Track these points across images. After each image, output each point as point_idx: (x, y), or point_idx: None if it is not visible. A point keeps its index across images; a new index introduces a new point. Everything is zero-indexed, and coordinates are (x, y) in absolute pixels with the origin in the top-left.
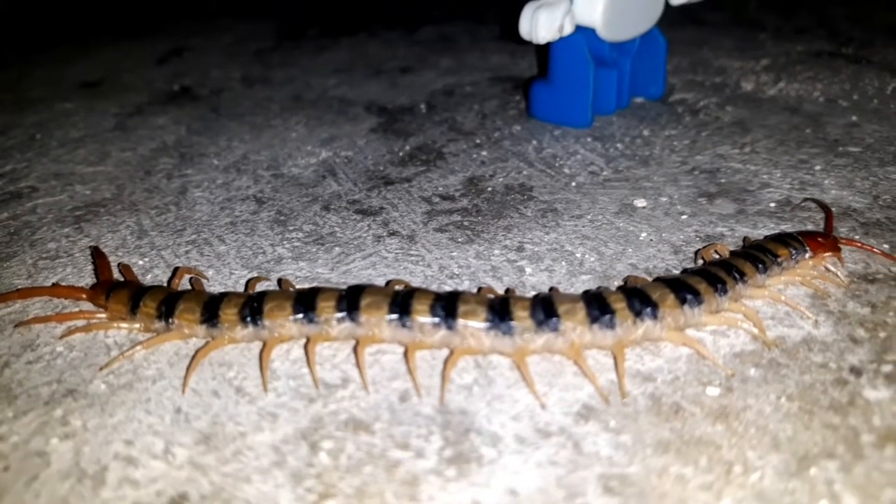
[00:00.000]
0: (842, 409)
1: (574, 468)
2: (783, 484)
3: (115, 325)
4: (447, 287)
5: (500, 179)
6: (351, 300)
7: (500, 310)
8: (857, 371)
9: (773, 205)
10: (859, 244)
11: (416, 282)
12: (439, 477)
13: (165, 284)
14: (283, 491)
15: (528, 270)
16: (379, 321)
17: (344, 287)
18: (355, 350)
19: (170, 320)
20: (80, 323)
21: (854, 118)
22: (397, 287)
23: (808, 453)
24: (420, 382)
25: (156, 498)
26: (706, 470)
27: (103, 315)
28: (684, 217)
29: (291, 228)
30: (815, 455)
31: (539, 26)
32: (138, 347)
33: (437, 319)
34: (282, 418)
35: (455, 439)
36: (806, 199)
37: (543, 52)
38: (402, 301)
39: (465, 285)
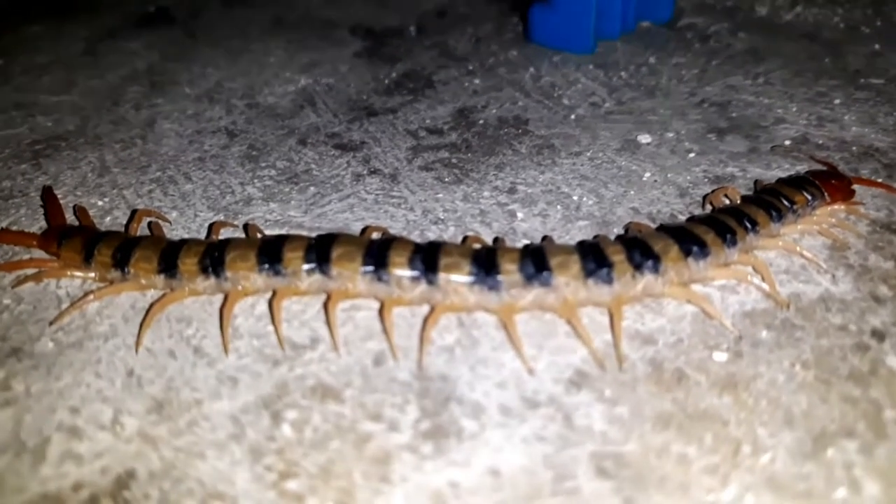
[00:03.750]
0: (863, 379)
1: (564, 445)
2: (797, 467)
3: (69, 273)
4: (431, 234)
5: (494, 111)
6: (321, 250)
7: (485, 262)
8: (879, 335)
9: (788, 142)
10: (871, 182)
11: (396, 228)
12: (414, 454)
13: (123, 229)
14: (240, 469)
15: (520, 215)
16: (352, 274)
17: (315, 235)
18: (326, 306)
19: (125, 269)
20: (31, 271)
21: (877, 47)
22: (374, 235)
23: (825, 431)
24: (397, 343)
25: (100, 476)
26: (711, 450)
27: (56, 263)
28: (692, 155)
29: (264, 165)
30: (833, 433)
31: None
32: (90, 297)
33: (416, 273)
34: (242, 384)
35: (433, 410)
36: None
37: None
38: (377, 252)
39: (451, 232)
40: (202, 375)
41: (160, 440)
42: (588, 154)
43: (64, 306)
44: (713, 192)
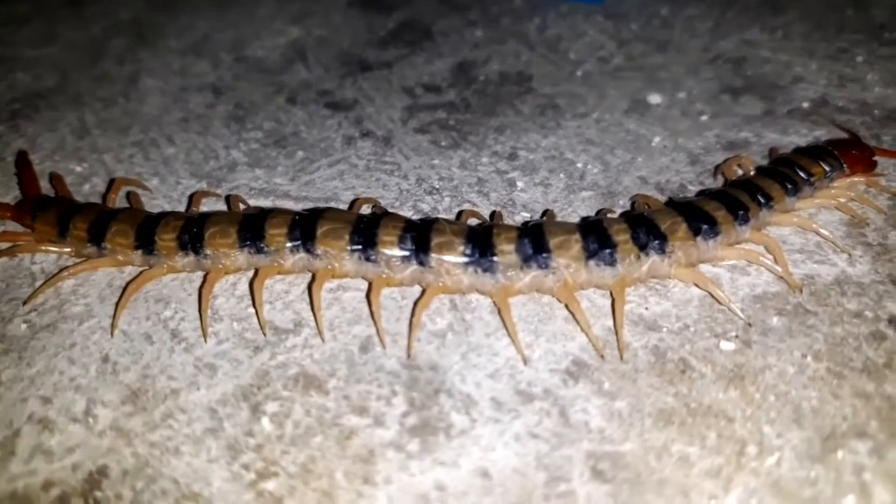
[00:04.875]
0: (877, 373)
1: (559, 443)
2: (804, 471)
3: (43, 248)
4: (425, 206)
5: (495, 66)
6: (306, 227)
7: (480, 242)
8: None
9: (806, 104)
10: (895, 153)
11: (388, 198)
12: (399, 452)
13: (102, 199)
14: (217, 467)
15: (520, 184)
16: (339, 253)
17: (300, 208)
18: (310, 287)
19: (102, 244)
20: (5, 246)
21: None
22: (364, 208)
23: (836, 430)
24: (385, 328)
25: (71, 473)
26: (714, 450)
27: (30, 237)
28: (704, 118)
29: (250, 126)
30: (844, 433)
31: None
32: (65, 273)
33: (406, 252)
34: (221, 371)
35: (421, 402)
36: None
37: None
38: (366, 229)
39: (446, 203)
40: (179, 362)
41: (134, 434)
42: (594, 115)
43: (38, 284)
44: (726, 161)
